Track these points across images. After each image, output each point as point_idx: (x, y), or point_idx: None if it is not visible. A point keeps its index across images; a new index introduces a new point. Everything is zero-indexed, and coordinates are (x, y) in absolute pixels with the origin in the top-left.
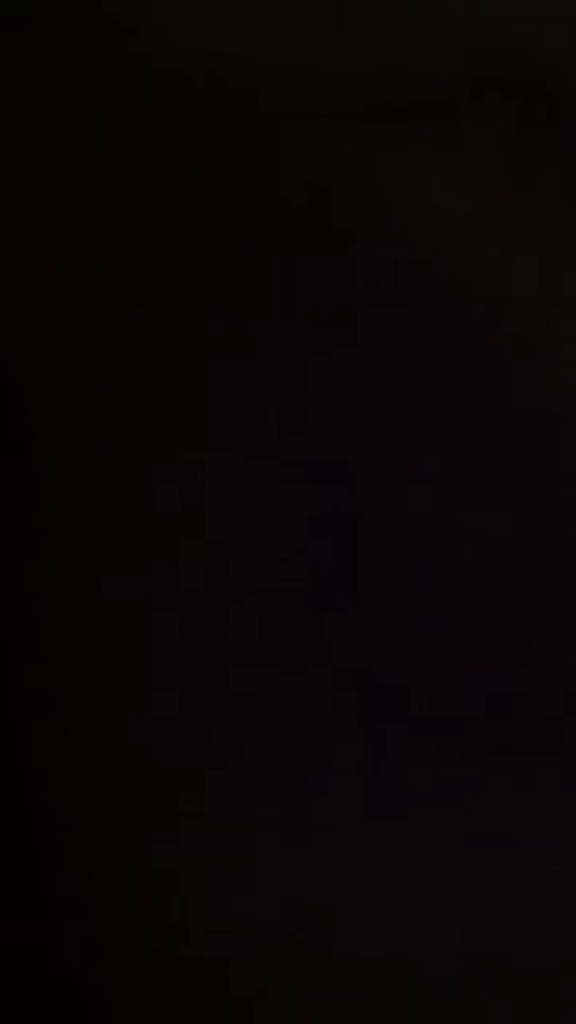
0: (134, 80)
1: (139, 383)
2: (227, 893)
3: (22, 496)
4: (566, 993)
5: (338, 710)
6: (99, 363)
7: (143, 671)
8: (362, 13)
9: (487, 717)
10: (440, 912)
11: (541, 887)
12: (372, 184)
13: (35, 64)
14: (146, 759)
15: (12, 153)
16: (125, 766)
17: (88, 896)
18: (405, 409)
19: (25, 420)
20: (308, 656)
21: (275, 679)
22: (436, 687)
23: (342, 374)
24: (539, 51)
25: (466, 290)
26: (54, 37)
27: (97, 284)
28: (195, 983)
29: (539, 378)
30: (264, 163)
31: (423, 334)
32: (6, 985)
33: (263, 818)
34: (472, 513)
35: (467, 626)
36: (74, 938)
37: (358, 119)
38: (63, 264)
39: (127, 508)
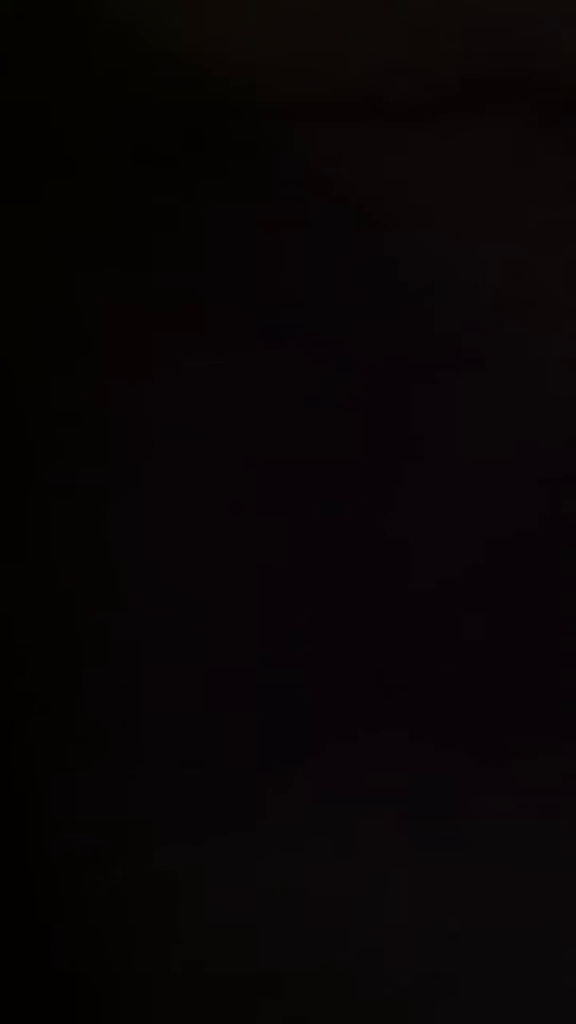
0: (139, 77)
1: (138, 380)
2: (229, 892)
3: (21, 496)
4: (568, 988)
5: (341, 709)
6: (99, 361)
7: (144, 671)
8: (367, 10)
9: (488, 718)
10: (444, 909)
11: (543, 885)
12: (378, 180)
13: (41, 60)
14: (147, 758)
15: (14, 152)
16: (126, 766)
17: (88, 898)
18: (405, 404)
19: (25, 420)
20: (311, 656)
21: (277, 679)
22: (438, 688)
23: (344, 368)
24: (546, 48)
25: (473, 284)
26: (61, 36)
27: (96, 280)
28: (196, 984)
29: (547, 368)
30: (268, 159)
31: (428, 328)
32: (6, 985)
33: (264, 817)
34: (475, 508)
35: (470, 627)
36: (75, 939)
37: (365, 116)
38: (63, 261)
39: (128, 507)
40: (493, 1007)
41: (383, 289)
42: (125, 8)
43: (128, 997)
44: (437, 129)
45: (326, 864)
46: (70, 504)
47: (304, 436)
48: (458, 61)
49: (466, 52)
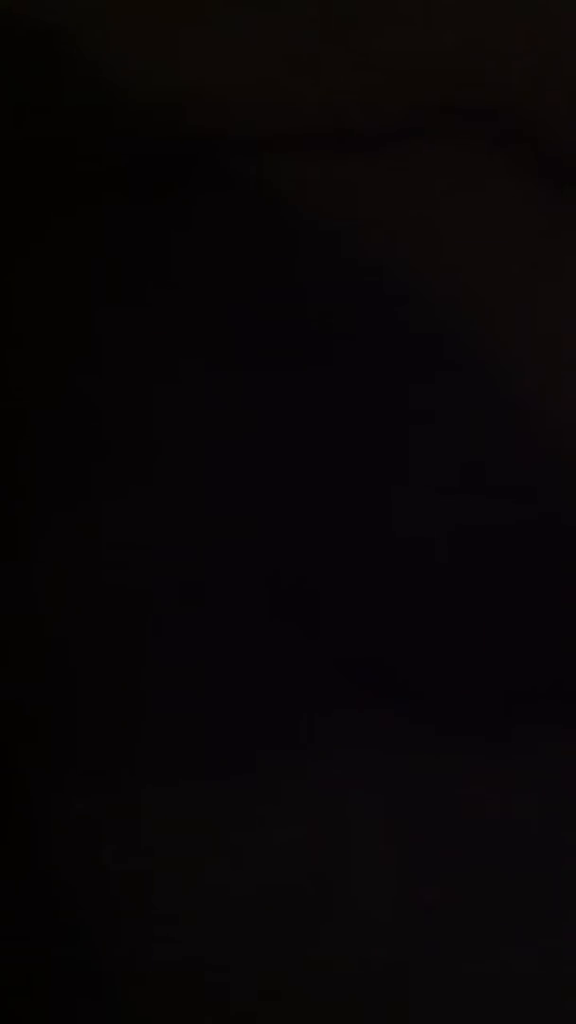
0: (135, 104)
1: (134, 387)
2: (233, 875)
3: (21, 498)
4: (559, 962)
5: (340, 693)
6: (96, 367)
7: (139, 665)
8: (339, 45)
9: (484, 702)
10: (437, 887)
11: (535, 861)
12: (349, 204)
13: (51, 87)
14: (145, 750)
15: (18, 167)
16: (122, 759)
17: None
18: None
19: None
20: (311, 642)
21: (278, 664)
22: (435, 673)
23: (320, 381)
24: (503, 77)
25: (437, 296)
26: (68, 66)
27: (101, 300)
28: (184, 970)
29: (505, 373)
30: (249, 183)
31: (414, 331)
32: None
33: (266, 802)
34: (475, 507)
35: (468, 614)
36: (65, 919)
37: (336, 144)
38: (70, 285)
39: (119, 503)
40: (483, 994)
41: (362, 299)
42: (125, 42)
43: (114, 980)
44: (401, 154)
45: (316, 848)
46: (71, 509)
47: (303, 442)
48: (421, 91)
49: (418, 84)
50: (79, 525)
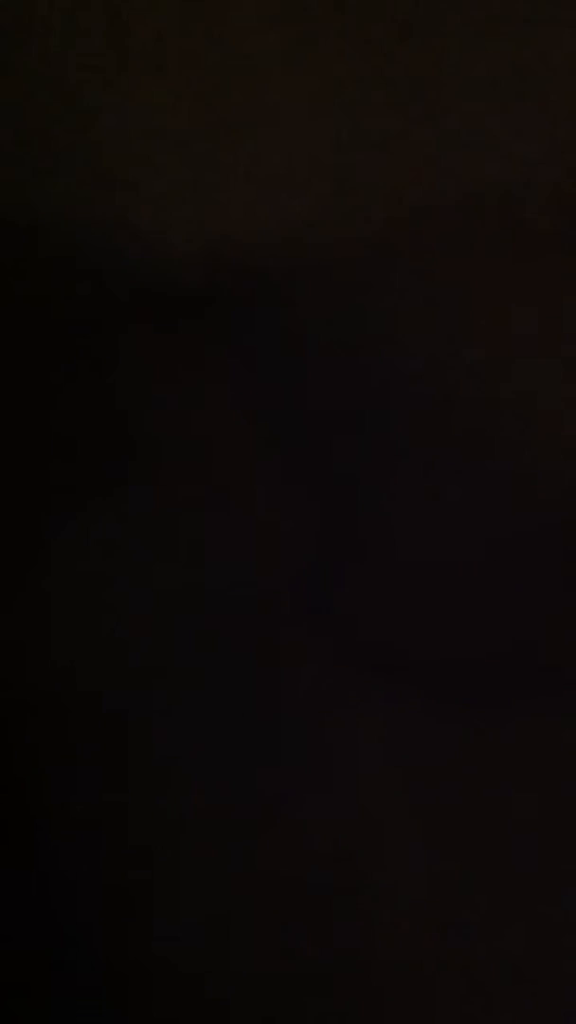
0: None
1: (134, 387)
2: (234, 875)
3: (24, 505)
4: (568, 942)
5: (348, 683)
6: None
7: (139, 664)
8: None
9: (487, 670)
10: (448, 868)
11: (541, 836)
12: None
13: (59, 214)
14: (145, 749)
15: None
16: (122, 759)
17: (93, 878)
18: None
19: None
20: (317, 620)
21: (278, 662)
22: (438, 643)
23: (321, 382)
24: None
25: (443, 299)
26: (72, 197)
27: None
28: (195, 972)
29: (507, 400)
30: (268, 314)
31: (398, 340)
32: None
33: (268, 800)
34: (468, 490)
35: (466, 584)
36: (76, 924)
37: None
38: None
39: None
40: (490, 962)
41: (361, 300)
42: (130, 173)
43: (114, 980)
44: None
45: (319, 847)
46: (71, 509)
47: (304, 441)
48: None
49: (414, 188)
50: (79, 525)
